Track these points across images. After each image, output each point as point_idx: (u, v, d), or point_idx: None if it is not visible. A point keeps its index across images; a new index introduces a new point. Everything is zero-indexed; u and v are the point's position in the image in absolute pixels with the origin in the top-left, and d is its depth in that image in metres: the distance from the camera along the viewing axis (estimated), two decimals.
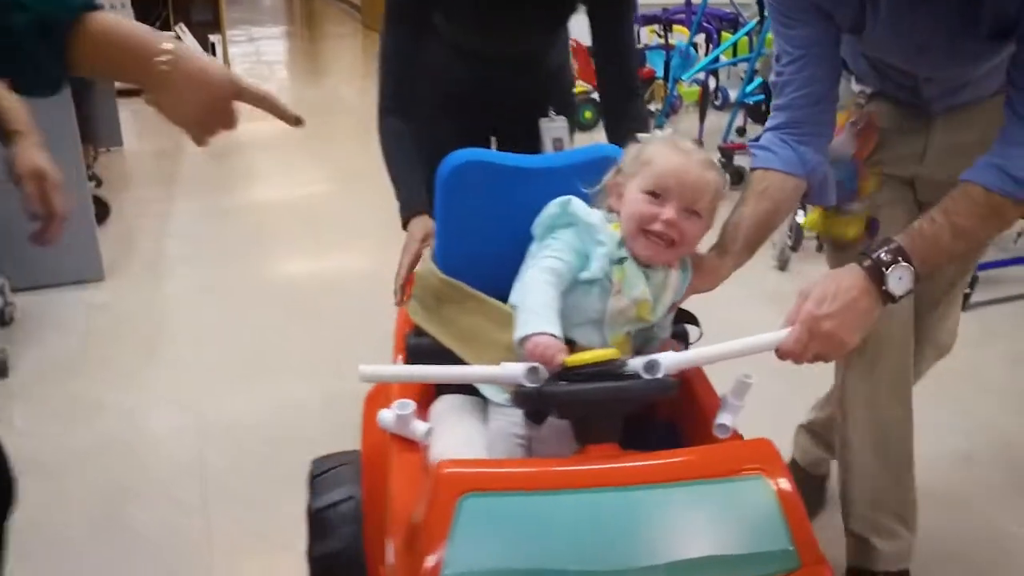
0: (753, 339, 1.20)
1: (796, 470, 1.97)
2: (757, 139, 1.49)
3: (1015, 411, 2.52)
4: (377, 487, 1.35)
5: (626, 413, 1.13)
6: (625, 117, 1.73)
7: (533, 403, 1.13)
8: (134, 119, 5.83)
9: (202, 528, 1.99)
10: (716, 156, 1.40)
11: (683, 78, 5.31)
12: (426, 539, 0.99)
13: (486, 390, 1.35)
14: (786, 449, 1.91)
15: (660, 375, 1.12)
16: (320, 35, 11.04)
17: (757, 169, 1.43)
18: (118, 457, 2.25)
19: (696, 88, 5.43)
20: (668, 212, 1.23)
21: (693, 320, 1.46)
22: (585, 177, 1.32)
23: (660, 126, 5.72)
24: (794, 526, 1.04)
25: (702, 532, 1.04)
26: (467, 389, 1.39)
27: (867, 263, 1.23)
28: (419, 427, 1.23)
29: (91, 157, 4.12)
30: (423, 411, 1.34)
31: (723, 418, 1.24)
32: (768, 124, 1.47)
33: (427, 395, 1.40)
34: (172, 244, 3.75)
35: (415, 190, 1.63)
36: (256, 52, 8.96)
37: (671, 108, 5.54)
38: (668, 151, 1.26)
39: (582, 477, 1.06)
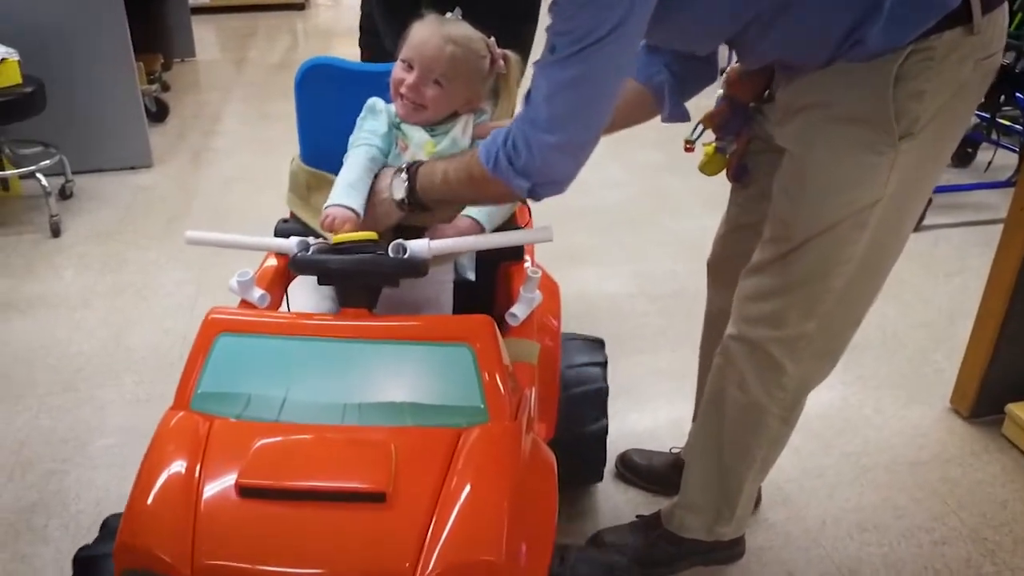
0: (502, 235, 1.38)
1: None
2: None
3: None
4: None
5: (378, 283, 1.28)
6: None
7: (297, 268, 1.27)
8: (216, 34, 6.43)
9: (181, 351, 2.47)
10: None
11: None
12: (188, 367, 1.20)
13: None
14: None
15: (405, 256, 1.23)
16: None
17: None
18: (130, 298, 2.78)
19: None
20: (410, 79, 1.40)
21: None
22: None
23: None
24: (488, 389, 1.15)
25: (406, 383, 1.18)
26: None
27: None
28: (256, 292, 1.38)
29: (159, 65, 4.68)
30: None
31: (516, 308, 1.39)
32: None
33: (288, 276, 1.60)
34: (217, 140, 4.30)
35: None
36: None
37: None
38: (422, 26, 1.41)
39: (317, 328, 1.23)
